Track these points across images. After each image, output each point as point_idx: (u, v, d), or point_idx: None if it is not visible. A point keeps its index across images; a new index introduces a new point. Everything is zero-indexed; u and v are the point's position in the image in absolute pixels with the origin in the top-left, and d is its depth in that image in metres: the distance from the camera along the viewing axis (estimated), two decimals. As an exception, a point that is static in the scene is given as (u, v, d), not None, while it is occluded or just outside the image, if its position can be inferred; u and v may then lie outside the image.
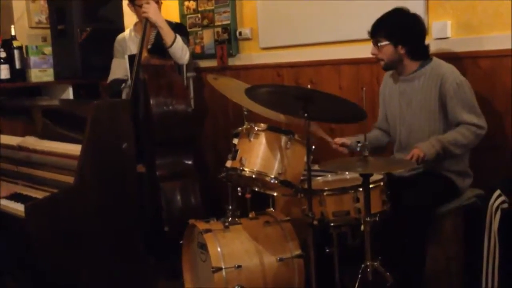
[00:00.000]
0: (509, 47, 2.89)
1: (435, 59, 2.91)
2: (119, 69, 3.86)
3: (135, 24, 3.96)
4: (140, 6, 3.63)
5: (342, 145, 3.03)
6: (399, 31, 2.87)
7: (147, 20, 3.56)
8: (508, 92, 2.93)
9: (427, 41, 2.94)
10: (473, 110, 2.77)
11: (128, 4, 3.85)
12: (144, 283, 3.15)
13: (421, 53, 2.91)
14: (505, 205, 2.40)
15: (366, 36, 2.93)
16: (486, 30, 2.99)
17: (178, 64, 3.74)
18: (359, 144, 2.50)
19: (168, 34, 3.57)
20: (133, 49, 3.81)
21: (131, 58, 3.67)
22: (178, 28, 3.79)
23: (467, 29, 3.07)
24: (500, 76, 2.96)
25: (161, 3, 3.82)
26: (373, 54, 2.94)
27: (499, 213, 2.40)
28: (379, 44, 2.89)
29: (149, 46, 3.65)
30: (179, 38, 3.60)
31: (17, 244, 3.09)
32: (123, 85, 3.80)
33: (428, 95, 2.85)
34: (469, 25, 3.05)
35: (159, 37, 3.65)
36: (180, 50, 3.62)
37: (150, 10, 3.54)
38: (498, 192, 2.44)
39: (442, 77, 2.80)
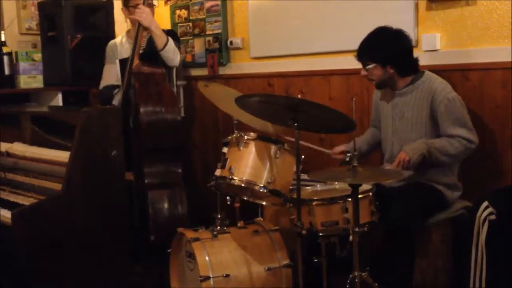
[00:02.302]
0: (497, 60, 2.91)
1: (427, 72, 2.92)
2: (111, 74, 3.86)
3: (128, 31, 3.97)
4: (134, 7, 3.63)
5: (342, 152, 3.04)
6: (385, 53, 2.86)
7: (139, 25, 3.56)
8: (496, 104, 2.95)
9: (416, 54, 2.96)
10: (464, 125, 2.79)
11: (122, 9, 3.85)
12: (131, 292, 3.13)
13: (410, 69, 2.92)
14: (493, 217, 2.41)
15: (356, 47, 2.94)
16: (475, 43, 3.02)
17: (169, 68, 3.74)
18: (348, 155, 2.51)
19: (160, 38, 3.58)
20: (124, 54, 3.81)
21: (122, 62, 3.67)
22: (170, 34, 3.80)
23: (456, 42, 3.09)
24: (488, 88, 2.98)
25: (155, 6, 3.82)
26: (363, 75, 2.96)
27: (486, 224, 2.41)
28: (367, 67, 2.90)
29: (140, 51, 3.65)
30: (171, 40, 3.62)
31: (1, 251, 3.06)
32: (116, 90, 3.79)
33: (419, 109, 2.87)
34: (459, 38, 3.08)
35: (150, 42, 3.66)
36: (172, 53, 3.63)
37: (143, 15, 3.54)
38: (485, 203, 2.45)
39: (434, 93, 2.82)
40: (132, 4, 3.68)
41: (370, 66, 2.88)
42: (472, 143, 2.79)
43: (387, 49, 2.86)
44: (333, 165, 3.11)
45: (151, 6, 3.71)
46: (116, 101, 3.78)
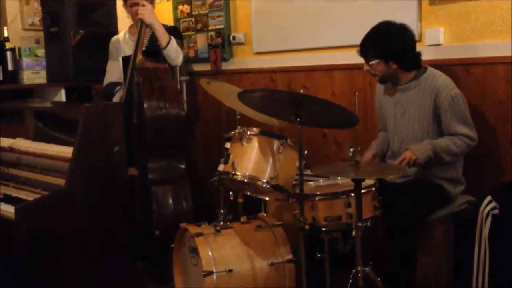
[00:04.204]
0: (500, 54, 2.91)
1: (430, 69, 2.91)
2: (114, 71, 3.86)
3: (130, 27, 3.97)
4: (132, 6, 3.63)
5: (374, 156, 3.06)
6: (387, 48, 2.85)
7: (142, 22, 3.57)
8: (499, 99, 2.95)
9: (420, 48, 2.95)
10: (466, 122, 2.79)
11: (123, 5, 3.86)
12: (133, 287, 3.13)
13: (413, 63, 2.91)
14: (496, 211, 2.41)
15: (358, 42, 2.93)
16: (479, 38, 3.01)
17: (172, 66, 3.74)
18: (351, 150, 2.51)
19: (163, 36, 3.58)
20: (127, 51, 3.81)
21: (125, 59, 3.67)
22: (172, 30, 3.80)
23: (459, 37, 3.08)
24: (491, 83, 2.97)
25: (155, 4, 3.83)
26: (366, 70, 2.95)
27: (489, 219, 2.41)
28: (370, 63, 2.89)
29: (143, 48, 3.65)
30: (173, 39, 3.62)
31: (4, 246, 3.07)
32: (118, 88, 3.79)
33: (422, 105, 2.86)
34: (462, 32, 3.07)
35: (153, 39, 3.66)
36: (175, 52, 3.63)
37: (145, 12, 3.55)
38: (488, 198, 2.45)
39: (437, 89, 2.81)
40: (130, 3, 3.69)
41: (373, 62, 2.87)
42: (473, 141, 2.79)
43: (390, 45, 2.85)
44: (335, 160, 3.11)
45: (151, 3, 3.71)
46: (117, 98, 3.78)
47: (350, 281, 2.49)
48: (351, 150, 2.51)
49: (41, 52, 4.28)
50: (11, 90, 4.16)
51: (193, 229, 2.83)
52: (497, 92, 2.95)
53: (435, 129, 2.85)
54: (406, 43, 2.88)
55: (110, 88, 3.86)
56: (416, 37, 3.05)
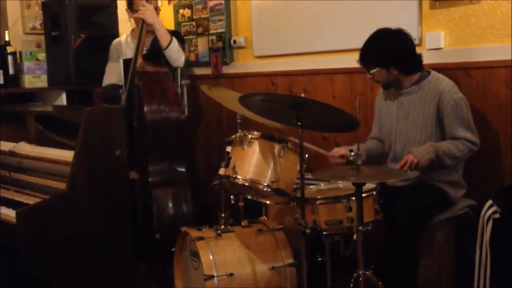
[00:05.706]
0: (501, 58, 2.91)
1: (433, 72, 2.91)
2: (114, 73, 3.87)
3: (133, 30, 3.98)
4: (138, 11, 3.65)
5: (342, 156, 3.01)
6: (386, 56, 2.85)
7: (143, 24, 3.57)
8: (500, 103, 2.95)
9: (420, 52, 2.95)
10: (468, 127, 2.79)
11: (126, 10, 3.87)
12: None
13: (414, 67, 2.91)
14: (497, 215, 2.40)
15: (359, 45, 2.94)
16: (479, 41, 3.01)
17: (173, 68, 3.75)
18: (352, 153, 2.51)
19: (164, 36, 3.59)
20: (128, 53, 3.82)
21: (126, 62, 3.68)
22: (174, 34, 3.81)
23: (460, 40, 3.09)
24: (492, 87, 2.97)
25: (160, 10, 3.85)
26: (369, 78, 2.95)
27: (490, 223, 2.41)
28: (371, 71, 2.90)
29: (144, 51, 3.66)
30: (175, 40, 3.63)
31: (6, 250, 3.07)
32: (120, 90, 3.80)
33: (425, 109, 2.86)
34: (462, 36, 3.07)
35: (154, 42, 3.67)
36: (176, 52, 3.64)
37: (147, 12, 3.56)
38: (489, 202, 2.44)
39: (441, 93, 2.81)
40: (137, 8, 3.70)
41: (374, 70, 2.88)
42: (475, 146, 2.79)
43: (388, 52, 2.85)
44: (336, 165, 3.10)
45: (156, 9, 3.72)
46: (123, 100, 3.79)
47: (352, 284, 2.49)
48: (352, 153, 2.52)
49: (42, 56, 4.29)
50: (12, 94, 4.17)
51: (194, 232, 2.83)
52: (498, 96, 2.95)
53: (437, 133, 2.85)
54: (404, 48, 2.88)
55: (113, 90, 3.86)
56: (417, 41, 3.05)
